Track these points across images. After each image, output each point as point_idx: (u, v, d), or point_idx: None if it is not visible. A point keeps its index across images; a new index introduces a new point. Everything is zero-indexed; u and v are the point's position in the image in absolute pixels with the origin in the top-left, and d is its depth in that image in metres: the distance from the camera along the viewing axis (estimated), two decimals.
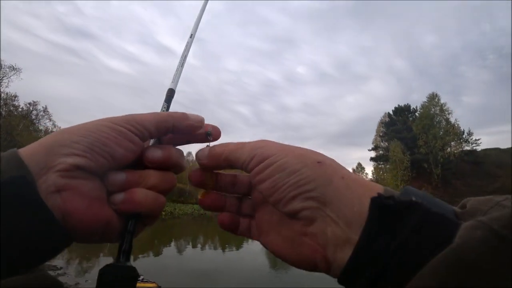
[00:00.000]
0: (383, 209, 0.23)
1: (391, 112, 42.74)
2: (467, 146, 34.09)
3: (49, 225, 0.24)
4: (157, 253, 8.85)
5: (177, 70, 0.41)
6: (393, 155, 33.73)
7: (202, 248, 10.58)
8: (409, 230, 0.21)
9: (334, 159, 0.29)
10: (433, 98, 35.16)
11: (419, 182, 32.63)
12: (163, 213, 22.45)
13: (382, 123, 43.81)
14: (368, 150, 45.37)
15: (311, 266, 0.27)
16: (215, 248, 10.66)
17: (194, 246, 10.78)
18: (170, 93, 0.39)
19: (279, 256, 0.30)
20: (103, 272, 0.26)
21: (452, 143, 33.76)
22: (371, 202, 0.23)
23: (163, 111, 0.36)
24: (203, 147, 0.34)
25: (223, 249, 10.38)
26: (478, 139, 33.33)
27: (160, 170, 0.31)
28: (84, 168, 0.27)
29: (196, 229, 17.54)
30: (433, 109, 34.62)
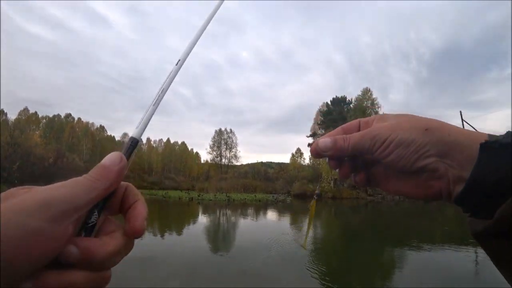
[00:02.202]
0: (489, 150, 0.30)
1: (329, 102, 45.20)
2: None
3: None
4: None
5: (146, 111, 0.34)
6: None
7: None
8: (506, 164, 0.28)
9: (439, 120, 0.35)
10: (366, 92, 38.05)
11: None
12: None
13: (320, 112, 46.23)
14: (307, 136, 47.76)
15: (437, 198, 0.35)
16: (154, 235, 9.95)
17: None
18: (132, 143, 0.32)
19: (406, 195, 0.38)
20: None
21: None
22: (480, 147, 0.30)
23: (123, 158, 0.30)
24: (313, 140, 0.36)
25: (162, 235, 9.87)
26: None
27: (91, 271, 0.26)
28: None
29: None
30: (365, 102, 37.62)
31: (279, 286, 5.14)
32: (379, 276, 6.06)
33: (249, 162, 52.93)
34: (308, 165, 43.57)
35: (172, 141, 62.46)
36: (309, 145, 47.06)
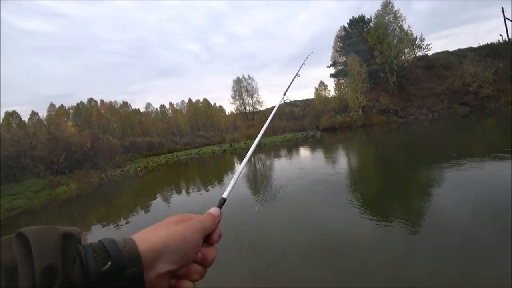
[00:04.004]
0: None
1: (346, 25, 41.82)
2: (419, 51, 35.13)
3: None
4: (146, 209, 8.83)
5: (234, 180, 0.62)
6: (351, 68, 34.09)
7: (187, 192, 10.56)
8: None
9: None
10: (386, 6, 34.40)
11: (377, 92, 34.10)
12: (139, 169, 21.56)
13: (339, 38, 43.12)
14: (327, 67, 45.57)
15: None
16: (198, 190, 10.64)
17: (178, 192, 10.84)
18: (222, 201, 0.55)
19: None
20: None
21: (406, 50, 34.46)
22: None
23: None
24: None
25: (206, 189, 10.57)
26: (429, 44, 34.39)
27: (202, 267, 0.46)
28: (172, 272, 0.40)
29: (175, 176, 17.24)
30: (387, 17, 34.21)
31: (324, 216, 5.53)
32: (416, 197, 6.07)
33: (273, 105, 52.55)
34: (333, 97, 42.39)
35: (194, 100, 63.22)
36: (331, 75, 45.44)
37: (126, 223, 7.36)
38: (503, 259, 3.13)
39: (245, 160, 0.71)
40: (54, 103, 53.83)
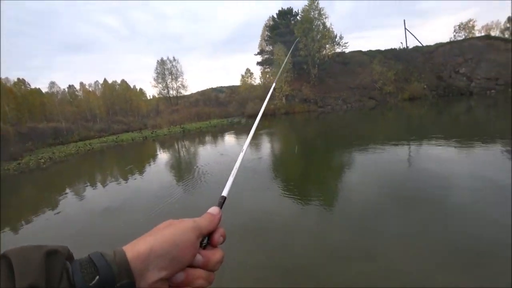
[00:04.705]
0: None
1: (275, 16, 42.61)
2: (338, 48, 38.65)
3: None
4: (54, 207, 7.50)
5: (233, 176, 0.57)
6: (277, 58, 34.93)
7: (103, 184, 9.23)
8: None
9: None
10: (312, 2, 36.10)
11: (300, 82, 35.91)
12: (42, 161, 18.11)
13: (267, 27, 43.79)
14: (254, 54, 45.97)
15: None
16: (117, 180, 9.47)
17: (93, 186, 9.49)
18: (222, 199, 0.53)
19: None
20: None
21: (327, 45, 37.35)
22: None
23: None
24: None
25: (126, 179, 9.45)
26: (347, 43, 37.81)
27: (207, 271, 0.43)
28: (165, 278, 0.38)
29: (88, 168, 15.29)
30: (312, 13, 36.03)
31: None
32: (331, 178, 6.81)
33: (199, 90, 50.58)
34: (259, 85, 42.92)
35: (110, 81, 56.42)
36: (258, 63, 46.00)
37: (30, 226, 6.11)
38: (398, 218, 4.06)
39: (241, 155, 0.65)
40: None
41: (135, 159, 15.28)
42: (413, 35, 52.69)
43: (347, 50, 39.34)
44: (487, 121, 12.51)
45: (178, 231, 0.40)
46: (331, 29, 36.99)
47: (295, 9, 41.94)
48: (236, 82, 50.40)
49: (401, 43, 43.77)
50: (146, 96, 60.98)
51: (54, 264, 0.32)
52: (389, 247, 3.35)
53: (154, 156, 14.57)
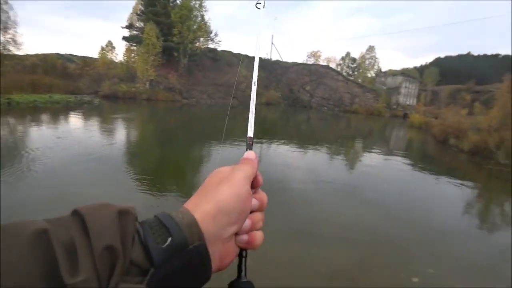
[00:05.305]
0: None
1: None
2: (212, 44, 39.35)
3: (208, 278, 0.36)
4: None
5: (252, 114, 0.55)
6: (147, 38, 32.35)
7: None
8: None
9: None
10: None
11: (167, 69, 34.42)
12: None
13: (142, 0, 39.76)
14: (122, 27, 40.85)
15: None
16: None
17: None
18: (251, 141, 0.52)
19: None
20: (232, 286, 0.40)
21: (201, 39, 37.46)
22: None
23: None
24: None
25: None
26: (220, 41, 38.92)
27: (261, 212, 0.45)
28: (236, 231, 0.39)
29: None
30: (193, 2, 35.41)
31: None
32: (190, 171, 7.03)
33: (39, 52, 40.19)
34: (121, 62, 38.41)
35: None
36: (124, 38, 41.01)
37: None
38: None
39: (254, 88, 0.64)
40: None
41: None
42: (277, 50, 60.04)
43: (219, 48, 40.63)
44: (318, 131, 15.96)
45: (235, 185, 0.40)
46: (208, 23, 37.35)
47: None
48: (93, 54, 43.50)
49: (267, 54, 48.92)
50: None
51: (127, 225, 0.31)
52: None
53: None
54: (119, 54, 41.38)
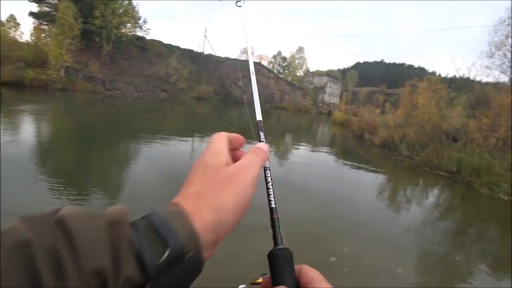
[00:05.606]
0: None
1: None
2: (140, 32, 36.45)
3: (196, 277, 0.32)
4: None
5: (254, 101, 0.54)
6: (62, 17, 28.49)
7: None
8: None
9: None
10: None
11: (87, 55, 30.93)
12: None
13: None
14: (30, 1, 35.11)
15: None
16: None
17: None
18: (262, 124, 0.50)
19: None
20: (273, 254, 0.39)
21: (128, 25, 34.36)
22: None
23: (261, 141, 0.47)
24: None
25: None
26: (149, 29, 36.63)
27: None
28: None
29: None
30: None
31: None
32: (115, 172, 6.57)
33: None
34: (27, 43, 33.03)
35: None
36: (32, 14, 35.22)
37: None
38: None
39: (253, 78, 0.61)
40: None
41: None
42: (210, 44, 59.21)
43: (148, 37, 38.07)
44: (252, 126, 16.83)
45: (242, 193, 0.35)
46: (136, 9, 34.64)
47: None
48: None
49: (199, 47, 47.94)
50: None
51: (120, 238, 0.26)
52: None
53: None
54: (26, 33, 35.63)
